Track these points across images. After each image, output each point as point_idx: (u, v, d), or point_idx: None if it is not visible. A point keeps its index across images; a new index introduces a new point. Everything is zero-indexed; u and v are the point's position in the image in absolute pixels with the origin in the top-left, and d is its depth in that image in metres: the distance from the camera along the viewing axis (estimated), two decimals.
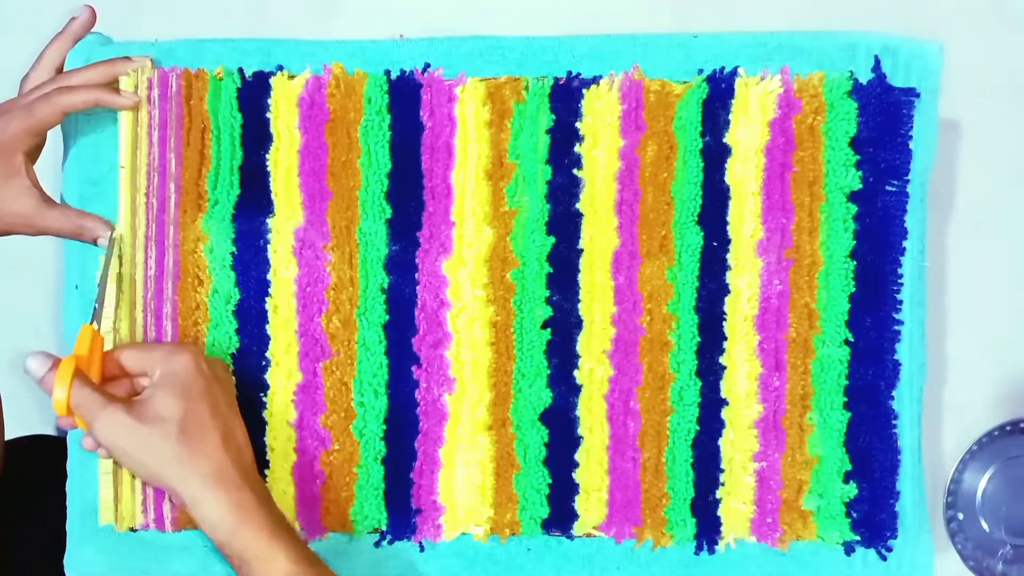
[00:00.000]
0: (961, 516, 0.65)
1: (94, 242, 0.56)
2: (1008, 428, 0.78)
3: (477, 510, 0.58)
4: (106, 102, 0.54)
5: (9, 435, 0.62)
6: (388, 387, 0.58)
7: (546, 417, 0.58)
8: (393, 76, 0.57)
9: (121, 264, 0.56)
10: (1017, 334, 0.74)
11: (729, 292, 0.58)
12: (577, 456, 0.58)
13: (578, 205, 0.58)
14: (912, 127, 0.58)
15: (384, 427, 0.58)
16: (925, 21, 0.61)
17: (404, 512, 0.58)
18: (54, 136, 0.59)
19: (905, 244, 0.58)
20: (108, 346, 0.55)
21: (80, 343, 0.50)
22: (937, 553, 0.59)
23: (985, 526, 0.67)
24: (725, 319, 0.58)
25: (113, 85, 0.56)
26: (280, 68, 0.58)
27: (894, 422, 0.58)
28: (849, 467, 0.58)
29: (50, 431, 0.63)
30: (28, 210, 0.54)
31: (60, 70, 0.57)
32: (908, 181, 0.58)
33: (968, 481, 0.67)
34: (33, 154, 0.56)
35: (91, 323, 0.52)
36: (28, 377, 0.49)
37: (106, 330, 0.55)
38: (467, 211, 0.58)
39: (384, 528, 0.58)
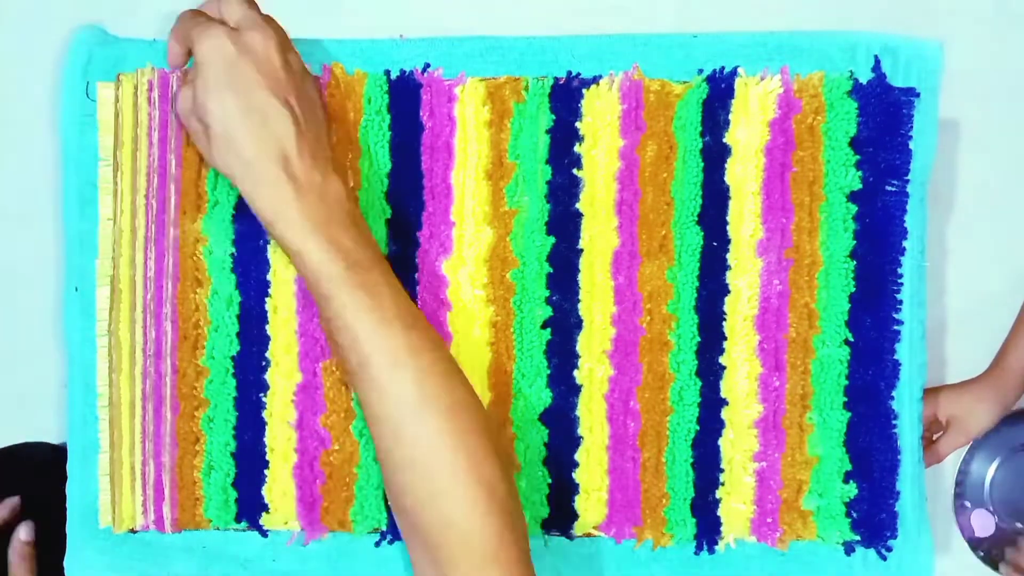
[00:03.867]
0: (968, 504, 0.66)
1: None
2: (1011, 418, 0.77)
3: None
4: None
5: (6, 442, 0.63)
6: None
7: (546, 417, 0.58)
8: (393, 76, 0.57)
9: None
10: None
11: (729, 292, 0.58)
12: (577, 456, 0.58)
13: (578, 205, 0.58)
14: (912, 127, 0.57)
15: None
16: (925, 21, 0.61)
17: None
18: (54, 136, 0.59)
19: (905, 244, 0.58)
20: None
21: None
22: (937, 553, 0.59)
23: (993, 514, 0.67)
24: (725, 319, 0.58)
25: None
26: None
27: (894, 422, 0.58)
28: (849, 467, 0.58)
29: (47, 439, 0.63)
30: None
31: None
32: (908, 181, 0.58)
33: (975, 471, 0.67)
34: None
35: None
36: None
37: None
38: (467, 211, 0.58)
39: (384, 528, 0.58)
